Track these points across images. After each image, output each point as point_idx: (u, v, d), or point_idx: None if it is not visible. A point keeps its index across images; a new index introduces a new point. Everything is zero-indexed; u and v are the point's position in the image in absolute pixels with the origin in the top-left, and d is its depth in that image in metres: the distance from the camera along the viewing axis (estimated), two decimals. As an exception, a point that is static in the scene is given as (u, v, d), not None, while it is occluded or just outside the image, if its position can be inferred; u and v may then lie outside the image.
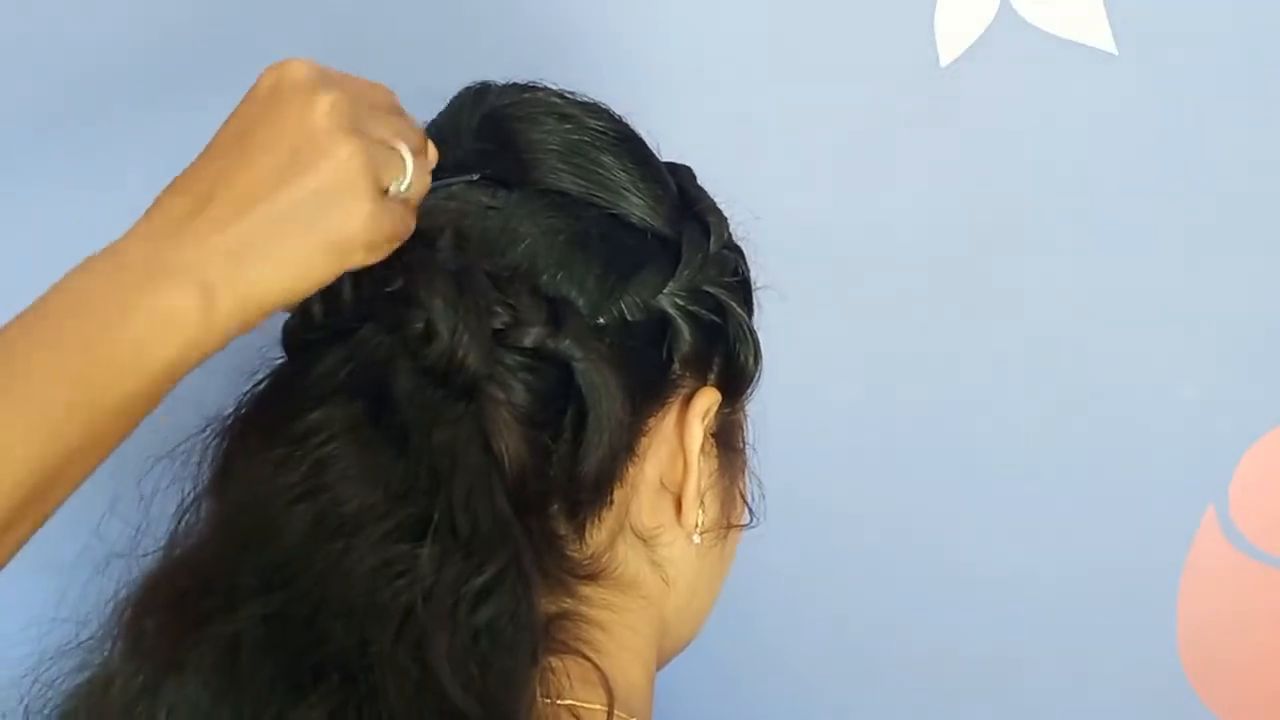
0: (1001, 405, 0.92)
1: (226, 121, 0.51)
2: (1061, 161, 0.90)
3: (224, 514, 0.51)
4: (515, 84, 0.60)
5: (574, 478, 0.53)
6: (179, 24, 0.86)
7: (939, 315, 0.92)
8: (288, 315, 0.55)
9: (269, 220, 0.48)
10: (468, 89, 0.61)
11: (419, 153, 0.52)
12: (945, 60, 0.89)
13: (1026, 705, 0.94)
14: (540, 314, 0.53)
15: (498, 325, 0.52)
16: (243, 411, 0.54)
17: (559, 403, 0.53)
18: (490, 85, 0.61)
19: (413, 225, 0.52)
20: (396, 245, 0.51)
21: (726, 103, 0.89)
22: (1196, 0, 0.87)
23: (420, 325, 0.51)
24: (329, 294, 0.53)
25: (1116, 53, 0.88)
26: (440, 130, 0.59)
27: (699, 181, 0.64)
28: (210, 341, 0.47)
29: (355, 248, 0.49)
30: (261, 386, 0.55)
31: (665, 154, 0.63)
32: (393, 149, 0.51)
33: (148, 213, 0.49)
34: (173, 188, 0.50)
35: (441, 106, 0.62)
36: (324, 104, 0.49)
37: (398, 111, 0.54)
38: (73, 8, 0.85)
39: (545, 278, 0.54)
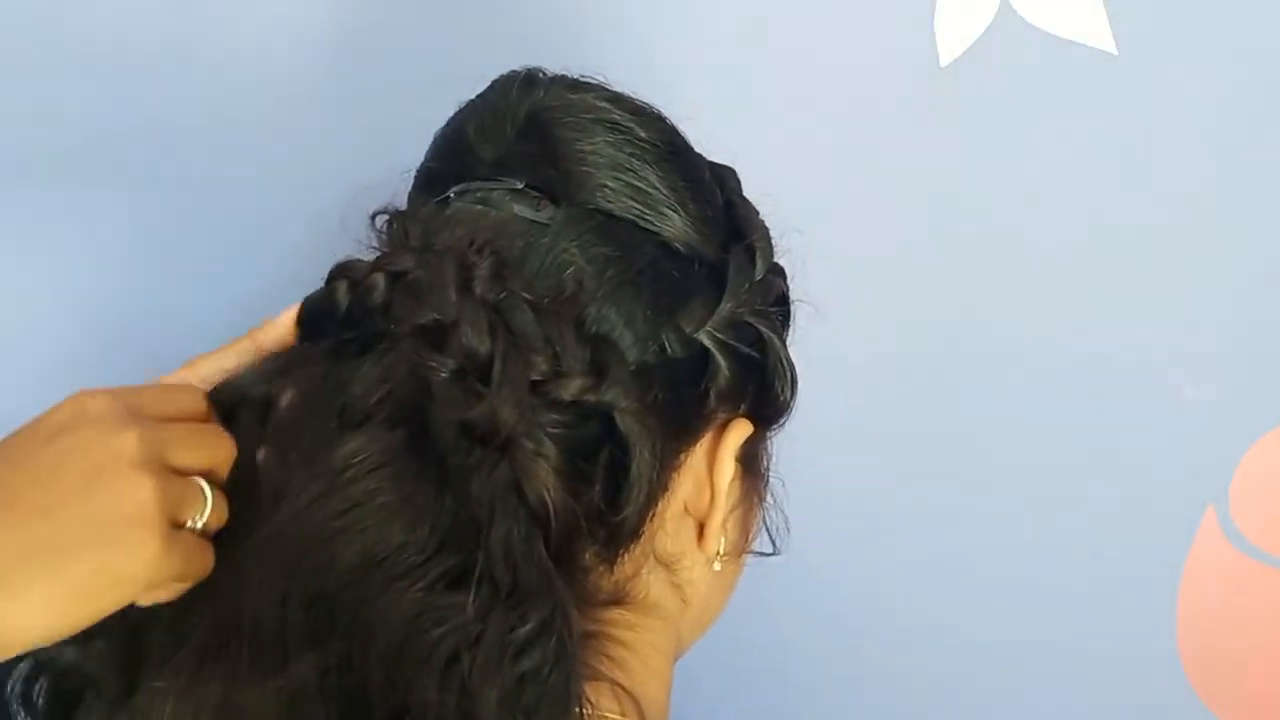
0: (1001, 405, 0.92)
1: (6, 441, 0.47)
2: (1061, 161, 0.90)
3: (264, 539, 0.49)
4: (564, 79, 0.58)
5: (611, 523, 0.52)
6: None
7: (939, 315, 0.91)
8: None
9: (40, 547, 0.43)
10: (513, 75, 0.58)
11: (219, 466, 0.49)
12: (945, 60, 0.88)
13: (1026, 705, 0.94)
14: (583, 358, 0.51)
15: (536, 376, 0.50)
16: (272, 415, 0.52)
17: (597, 449, 0.52)
18: (538, 76, 0.58)
19: (209, 564, 0.48)
20: (185, 586, 0.48)
21: (726, 103, 0.89)
22: (1196, 0, 0.87)
23: (453, 371, 0.49)
24: (358, 288, 0.51)
25: (1116, 53, 0.88)
26: (480, 119, 0.57)
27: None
28: None
29: (134, 586, 0.45)
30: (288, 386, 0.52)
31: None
32: (195, 485, 0.48)
33: None
34: None
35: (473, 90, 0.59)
36: (129, 441, 0.46)
37: (200, 419, 0.50)
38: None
39: (591, 311, 0.53)
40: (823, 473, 0.89)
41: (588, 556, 0.53)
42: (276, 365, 0.53)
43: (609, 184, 0.55)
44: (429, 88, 0.58)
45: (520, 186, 0.55)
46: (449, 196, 0.56)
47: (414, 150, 0.60)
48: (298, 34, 0.85)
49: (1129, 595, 0.93)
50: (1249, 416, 0.91)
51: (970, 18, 0.88)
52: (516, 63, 0.59)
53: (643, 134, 0.57)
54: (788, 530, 0.63)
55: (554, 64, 0.60)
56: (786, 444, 0.62)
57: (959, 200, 0.90)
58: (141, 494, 0.45)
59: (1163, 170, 0.89)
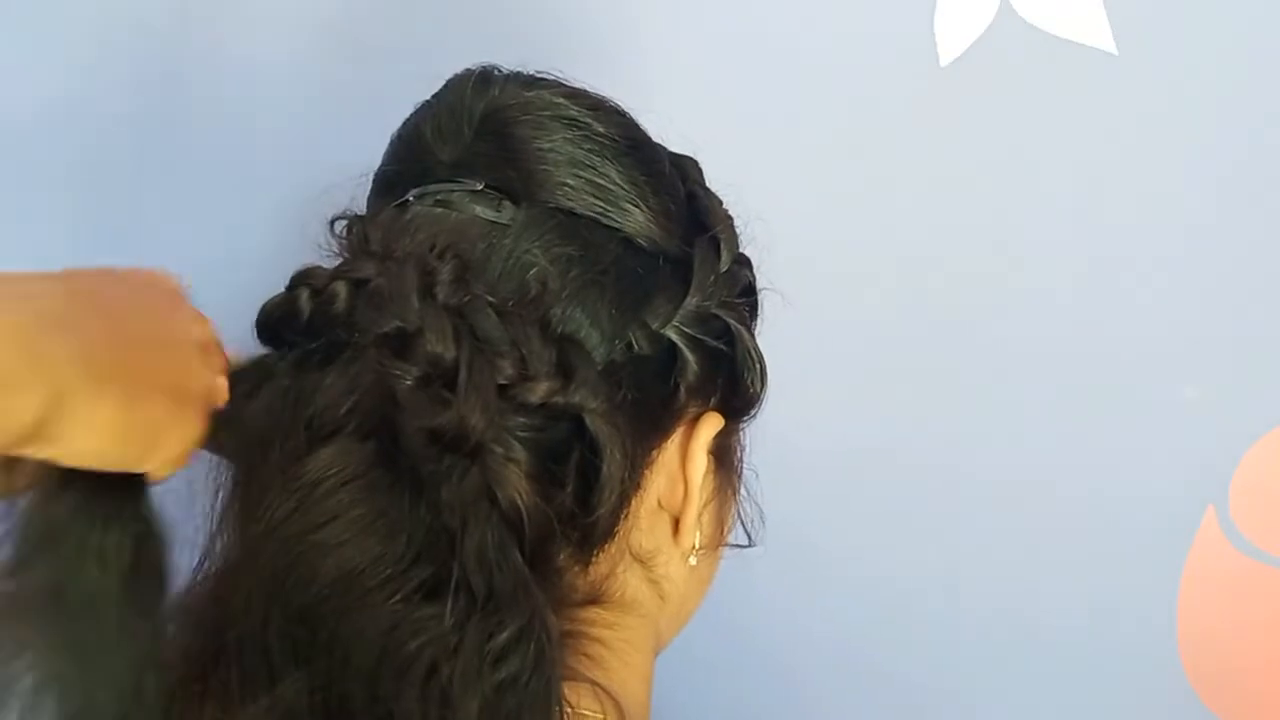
0: (1001, 405, 0.92)
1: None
2: (1061, 161, 0.90)
3: (243, 557, 0.50)
4: (519, 76, 0.57)
5: (585, 523, 0.52)
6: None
7: (938, 315, 0.92)
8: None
9: (127, 376, 0.46)
10: (467, 74, 0.58)
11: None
12: (945, 60, 0.89)
13: (1026, 705, 0.94)
14: (550, 360, 0.51)
15: (503, 380, 0.50)
16: (245, 432, 0.52)
17: (567, 451, 0.51)
18: (493, 74, 0.57)
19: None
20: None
21: (726, 102, 0.89)
22: (1196, 0, 0.87)
23: (419, 379, 0.49)
24: (319, 296, 0.51)
25: (1116, 53, 0.88)
26: (436, 120, 0.57)
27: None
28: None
29: (169, 452, 0.48)
30: (257, 397, 0.52)
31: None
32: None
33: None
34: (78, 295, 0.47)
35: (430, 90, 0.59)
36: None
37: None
38: None
39: (556, 311, 0.52)
40: (816, 476, 0.90)
41: (562, 558, 0.53)
42: (238, 378, 0.53)
43: (569, 181, 0.55)
44: (391, 88, 0.58)
45: (480, 187, 0.54)
46: (408, 199, 0.56)
47: (373, 152, 0.60)
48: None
49: (1129, 595, 0.93)
50: (1249, 416, 0.91)
51: (970, 18, 0.88)
52: (479, 60, 0.59)
53: (601, 129, 0.56)
54: (763, 522, 0.63)
55: (543, 62, 0.60)
56: (760, 436, 0.62)
57: (958, 199, 0.90)
58: (209, 383, 0.50)
59: (1163, 170, 0.89)
